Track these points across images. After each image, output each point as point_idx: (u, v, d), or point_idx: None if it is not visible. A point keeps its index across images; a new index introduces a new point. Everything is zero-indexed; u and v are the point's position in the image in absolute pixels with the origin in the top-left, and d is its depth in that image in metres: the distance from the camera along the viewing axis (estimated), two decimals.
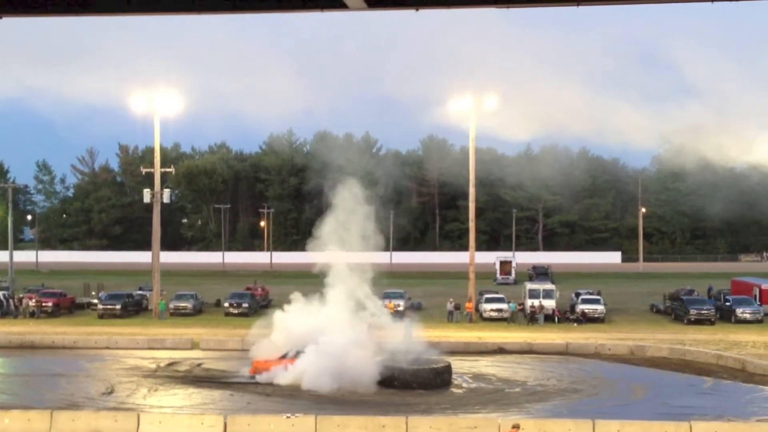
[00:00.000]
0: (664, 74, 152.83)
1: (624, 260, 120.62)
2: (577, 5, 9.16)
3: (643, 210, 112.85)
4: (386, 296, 51.15)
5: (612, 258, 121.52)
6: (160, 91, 55.27)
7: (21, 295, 57.91)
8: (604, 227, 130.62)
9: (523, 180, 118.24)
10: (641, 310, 59.57)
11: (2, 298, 56.17)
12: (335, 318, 36.08)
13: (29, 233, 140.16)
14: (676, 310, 54.91)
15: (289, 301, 39.17)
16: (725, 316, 52.91)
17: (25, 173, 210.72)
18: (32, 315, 54.43)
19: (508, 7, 9.42)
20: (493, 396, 32.50)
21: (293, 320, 37.66)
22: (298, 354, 34.82)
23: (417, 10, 9.13)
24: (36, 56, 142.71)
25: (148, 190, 56.05)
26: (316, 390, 32.30)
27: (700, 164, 70.36)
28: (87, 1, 10.14)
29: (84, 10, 10.17)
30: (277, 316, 38.56)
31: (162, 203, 56.17)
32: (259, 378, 34.35)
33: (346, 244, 37.42)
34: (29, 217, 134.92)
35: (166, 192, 57.65)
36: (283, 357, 35.11)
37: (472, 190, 55.54)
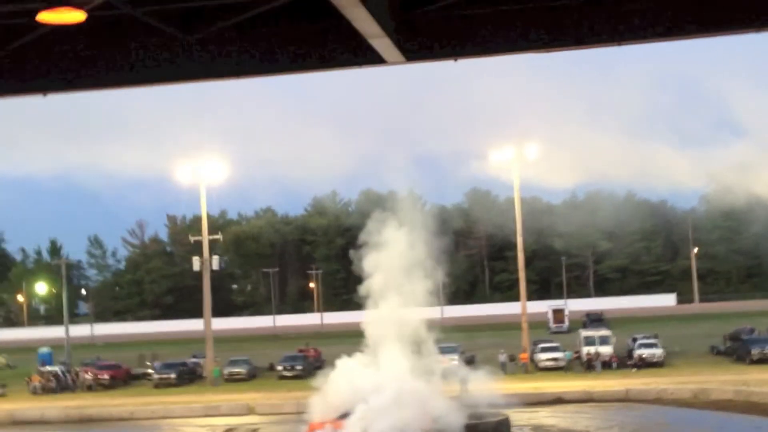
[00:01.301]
0: (707, 113, 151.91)
1: (679, 302, 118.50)
2: (619, 45, 9.16)
3: (695, 250, 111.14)
4: (441, 351, 50.61)
5: (666, 301, 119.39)
6: (204, 160, 56.30)
7: (78, 369, 58.50)
8: (656, 270, 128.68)
9: (570, 227, 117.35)
10: (701, 352, 58.24)
11: (60, 372, 56.75)
12: (393, 374, 35.39)
13: (83, 308, 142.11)
14: (737, 350, 53.62)
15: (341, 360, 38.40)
16: None
17: (77, 249, 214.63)
18: (89, 388, 54.89)
19: (548, 52, 9.44)
20: None
21: (348, 379, 37.05)
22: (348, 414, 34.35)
23: (456, 60, 9.22)
24: (77, 132, 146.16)
25: (197, 258, 56.63)
26: None
27: (749, 201, 69.23)
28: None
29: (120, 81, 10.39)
30: (333, 375, 37.81)
31: (211, 270, 56.73)
32: None
33: (398, 300, 37.02)
34: (83, 292, 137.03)
35: (215, 259, 58.23)
36: (342, 417, 34.71)
37: (519, 240, 55.28)
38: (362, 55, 9.33)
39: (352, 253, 38.31)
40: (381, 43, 8.94)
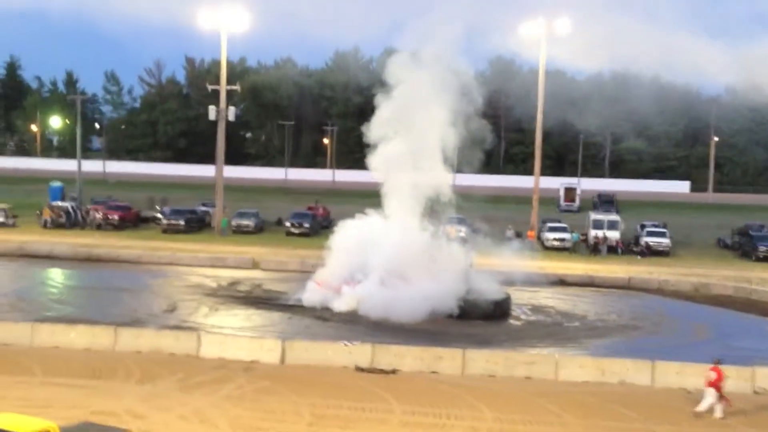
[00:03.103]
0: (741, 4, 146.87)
1: (693, 190, 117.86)
2: None
3: (716, 138, 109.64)
4: (448, 221, 50.64)
5: (680, 187, 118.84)
6: (226, 6, 54.86)
7: (88, 207, 59.03)
8: (674, 155, 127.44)
9: (592, 104, 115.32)
10: (708, 244, 58.29)
11: (70, 209, 57.28)
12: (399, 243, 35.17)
13: (97, 143, 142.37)
14: (743, 245, 53.57)
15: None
16: None
17: (93, 83, 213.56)
18: (99, 227, 55.52)
19: None
20: (551, 329, 32.28)
21: (354, 244, 36.87)
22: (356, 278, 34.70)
23: None
24: None
25: (213, 107, 56.02)
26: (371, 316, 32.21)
27: None
28: None
29: None
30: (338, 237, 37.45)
31: (227, 121, 56.28)
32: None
33: (411, 163, 36.41)
34: (97, 126, 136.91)
35: (231, 110, 57.79)
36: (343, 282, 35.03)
37: (539, 117, 54.48)
38: None
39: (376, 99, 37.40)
40: None
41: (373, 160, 36.65)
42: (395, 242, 35.07)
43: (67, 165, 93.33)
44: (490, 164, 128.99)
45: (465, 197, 40.63)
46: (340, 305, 33.71)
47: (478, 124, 37.95)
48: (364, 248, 35.75)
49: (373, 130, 36.44)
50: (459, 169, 42.79)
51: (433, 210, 37.46)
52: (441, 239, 37.79)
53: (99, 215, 56.27)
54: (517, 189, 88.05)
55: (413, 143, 36.36)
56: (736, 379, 23.65)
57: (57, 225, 55.28)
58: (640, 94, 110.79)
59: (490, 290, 34.71)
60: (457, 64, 38.33)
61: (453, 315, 32.87)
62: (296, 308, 34.08)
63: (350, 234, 37.25)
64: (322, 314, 33.19)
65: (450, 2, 35.91)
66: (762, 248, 50.96)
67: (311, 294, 34.68)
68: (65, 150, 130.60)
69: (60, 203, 59.03)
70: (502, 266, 38.12)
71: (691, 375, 23.84)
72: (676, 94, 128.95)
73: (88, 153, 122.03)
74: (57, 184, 66.38)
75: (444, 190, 36.90)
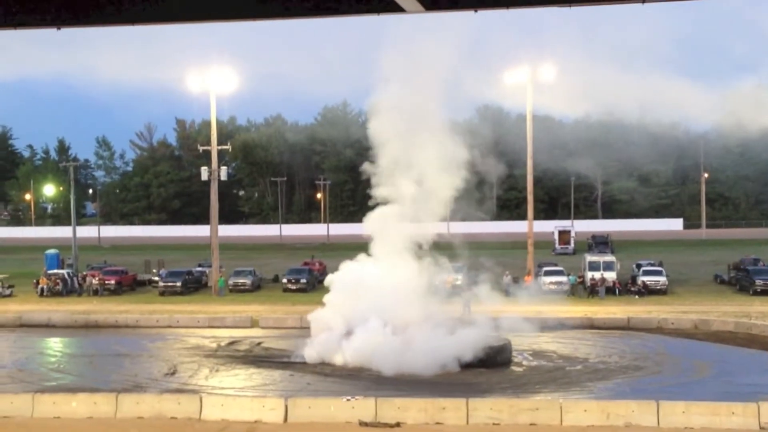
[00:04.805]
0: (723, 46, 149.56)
1: (686, 227, 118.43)
2: (642, 3, 8.69)
3: (706, 175, 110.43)
4: (445, 270, 50.60)
5: (674, 225, 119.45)
6: (214, 68, 55.53)
7: (85, 273, 59.01)
8: (666, 194, 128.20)
9: (580, 147, 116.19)
10: (705, 280, 58.42)
11: (66, 276, 57.27)
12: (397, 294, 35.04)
13: (91, 208, 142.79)
14: (741, 280, 53.69)
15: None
16: None
17: (85, 149, 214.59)
18: (95, 293, 55.44)
19: (570, 6, 9.00)
20: (554, 374, 32.13)
21: (351, 293, 36.49)
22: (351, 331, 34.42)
23: (476, 11, 8.80)
24: (87, 37, 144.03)
25: (206, 168, 56.45)
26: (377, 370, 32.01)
27: (760, 133, 68.43)
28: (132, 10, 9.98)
29: (130, 19, 10.00)
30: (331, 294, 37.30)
31: (219, 180, 56.60)
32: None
33: (404, 215, 36.53)
34: (90, 192, 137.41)
35: (223, 169, 58.22)
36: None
37: (529, 162, 54.92)
38: (382, 3, 8.89)
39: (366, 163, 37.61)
40: None
41: (367, 218, 36.85)
42: (395, 289, 34.80)
43: (62, 232, 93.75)
44: (483, 211, 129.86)
45: (460, 245, 40.72)
46: (345, 358, 33.38)
47: (469, 171, 38.19)
48: (362, 294, 35.38)
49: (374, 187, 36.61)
50: (453, 217, 42.96)
51: (428, 259, 37.41)
52: (438, 287, 37.81)
53: (95, 281, 56.23)
54: (512, 234, 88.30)
55: (406, 194, 36.51)
56: (742, 415, 23.57)
57: (54, 293, 55.20)
58: (628, 136, 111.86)
59: (489, 337, 34.58)
60: (443, 114, 38.63)
61: (472, 364, 32.54)
62: (297, 365, 33.94)
63: (347, 278, 36.72)
64: (323, 370, 33.05)
65: (432, 55, 36.19)
66: (759, 282, 51.07)
67: (311, 349, 34.48)
68: (59, 217, 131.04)
69: (56, 271, 59.01)
70: (500, 312, 38.15)
71: (697, 414, 23.74)
72: (663, 133, 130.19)
73: (83, 219, 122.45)
74: (53, 251, 66.40)
75: (439, 238, 37.04)
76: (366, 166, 37.41)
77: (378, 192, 36.57)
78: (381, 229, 36.52)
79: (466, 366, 32.38)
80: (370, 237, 37.00)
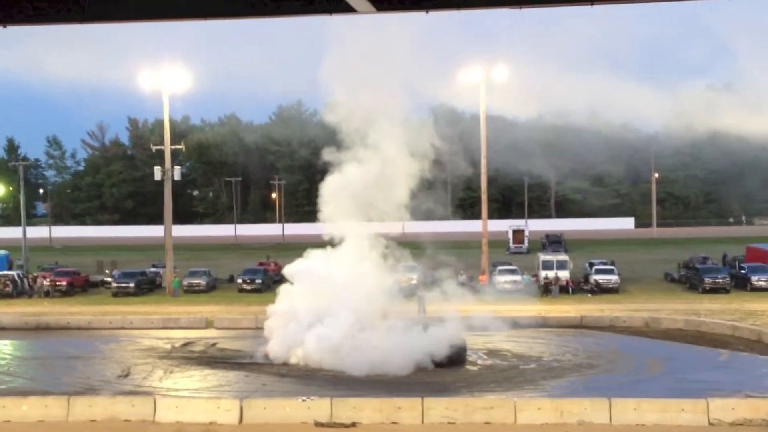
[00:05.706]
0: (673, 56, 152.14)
1: (637, 226, 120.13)
2: (591, 5, 8.84)
3: (656, 175, 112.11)
4: (401, 270, 50.71)
5: (625, 224, 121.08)
6: (167, 67, 55.02)
7: (35, 275, 58.12)
8: (617, 193, 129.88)
9: (533, 146, 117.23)
10: (656, 279, 59.36)
11: (17, 278, 56.37)
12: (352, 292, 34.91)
13: (41, 208, 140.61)
14: (690, 278, 54.62)
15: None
16: (740, 284, 52.55)
17: (35, 149, 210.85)
18: (47, 294, 54.64)
19: (520, 8, 9.12)
20: (508, 373, 32.39)
21: (305, 293, 36.21)
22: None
23: (427, 12, 8.88)
24: (38, 36, 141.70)
25: (159, 168, 55.93)
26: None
27: (709, 135, 69.80)
28: (85, 8, 9.88)
29: (84, 17, 9.91)
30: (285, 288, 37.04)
31: (173, 180, 56.11)
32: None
33: (359, 214, 36.55)
34: (41, 191, 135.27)
35: (177, 169, 57.68)
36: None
37: (483, 162, 55.25)
38: (333, 3, 8.94)
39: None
40: None
41: (323, 212, 36.73)
42: (358, 286, 34.63)
43: (12, 233, 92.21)
44: (437, 211, 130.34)
45: (415, 245, 40.91)
46: (306, 357, 33.20)
47: (425, 171, 38.39)
48: (325, 287, 35.12)
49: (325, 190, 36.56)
50: (408, 217, 43.02)
51: (384, 258, 37.44)
52: (394, 287, 37.84)
53: (46, 282, 55.41)
54: (466, 233, 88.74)
55: (363, 193, 36.52)
56: (692, 412, 24.00)
57: (3, 295, 54.26)
58: (580, 136, 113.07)
59: (445, 337, 34.65)
60: (400, 113, 38.76)
61: (442, 364, 32.65)
62: (252, 366, 33.79)
63: (309, 269, 36.43)
64: (279, 370, 32.96)
65: (385, 54, 36.29)
66: (708, 280, 51.96)
67: (276, 343, 34.21)
68: (9, 218, 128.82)
69: (5, 272, 58.02)
70: (457, 312, 38.28)
71: (648, 411, 24.11)
72: (615, 134, 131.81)
73: (33, 219, 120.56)
74: (2, 252, 65.22)
75: (394, 238, 37.14)
76: (325, 153, 37.29)
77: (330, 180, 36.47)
78: (337, 227, 36.41)
79: (438, 365, 32.56)
80: (327, 235, 36.88)
